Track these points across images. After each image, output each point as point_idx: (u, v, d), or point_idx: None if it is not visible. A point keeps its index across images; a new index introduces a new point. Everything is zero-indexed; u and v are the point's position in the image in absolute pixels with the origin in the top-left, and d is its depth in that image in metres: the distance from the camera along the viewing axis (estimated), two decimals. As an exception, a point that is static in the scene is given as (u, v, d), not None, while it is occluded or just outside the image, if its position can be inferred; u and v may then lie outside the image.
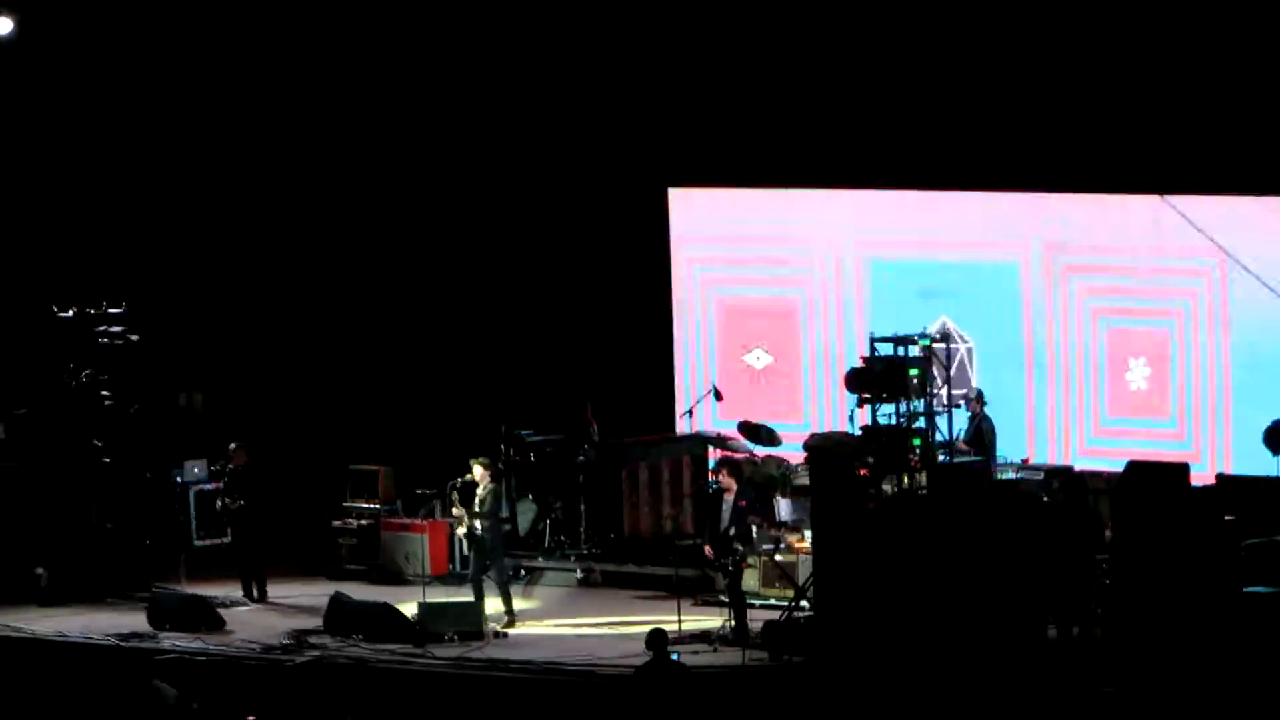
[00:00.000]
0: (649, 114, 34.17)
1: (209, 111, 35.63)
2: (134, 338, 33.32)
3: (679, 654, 25.35)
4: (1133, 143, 30.90)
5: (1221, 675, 25.17)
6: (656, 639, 24.55)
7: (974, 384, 31.20)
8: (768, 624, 28.14)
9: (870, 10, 31.95)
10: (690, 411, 33.22)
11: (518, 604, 30.21)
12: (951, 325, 31.23)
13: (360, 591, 30.79)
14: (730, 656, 27.64)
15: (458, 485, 30.44)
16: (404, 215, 36.24)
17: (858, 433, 28.84)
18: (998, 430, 30.78)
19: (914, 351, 28.68)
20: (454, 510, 30.44)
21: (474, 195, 35.82)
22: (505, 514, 31.44)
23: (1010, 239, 32.78)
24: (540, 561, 32.34)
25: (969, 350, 31.85)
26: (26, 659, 28.75)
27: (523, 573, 31.86)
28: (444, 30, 34.17)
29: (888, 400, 28.39)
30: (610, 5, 33.08)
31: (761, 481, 31.04)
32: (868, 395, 28.53)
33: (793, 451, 31.39)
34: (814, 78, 32.86)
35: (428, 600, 29.67)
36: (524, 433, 33.23)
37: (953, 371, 29.68)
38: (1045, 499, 28.65)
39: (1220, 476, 28.39)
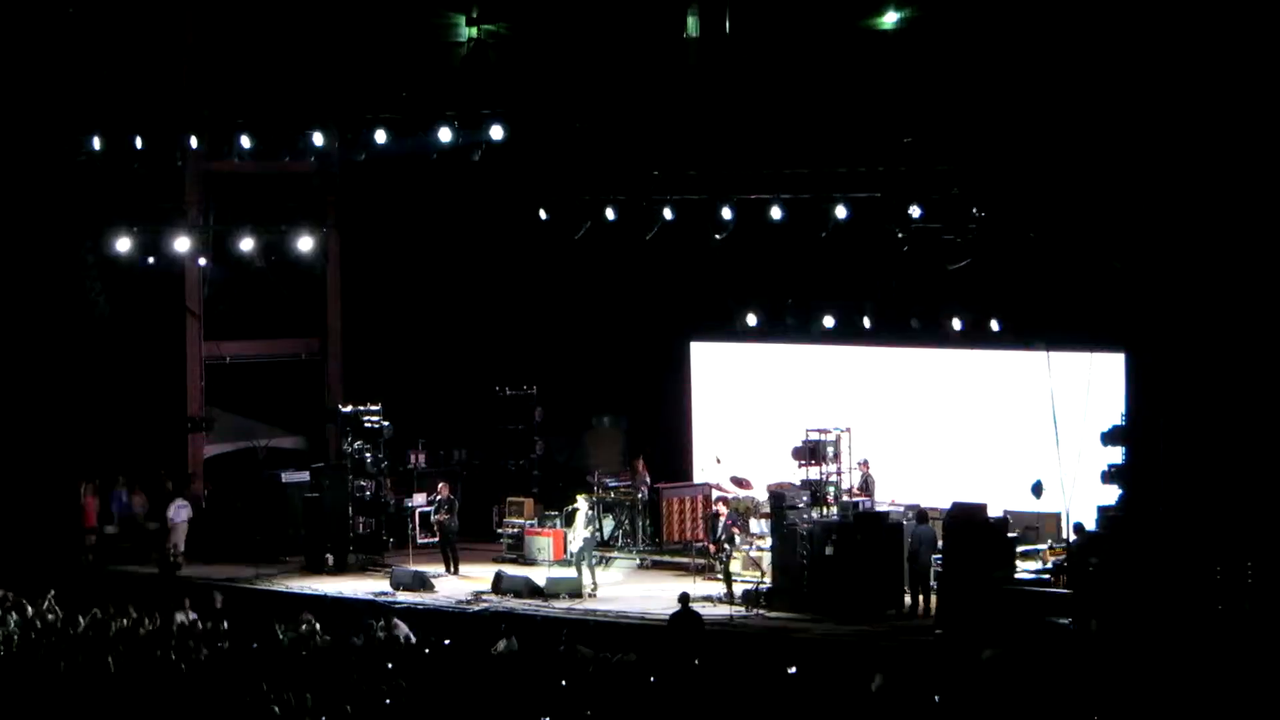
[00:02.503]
0: (685, 308, 34.06)
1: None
2: (386, 424, 33.04)
3: (695, 606, 26.44)
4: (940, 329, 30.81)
5: (1000, 618, 25.66)
6: (683, 598, 26.03)
7: (864, 456, 30.47)
8: (745, 591, 28.78)
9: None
10: (703, 469, 33.65)
11: (600, 577, 30.58)
12: (851, 424, 29.98)
13: (512, 569, 31.05)
14: (724, 610, 28.30)
15: (568, 510, 31.40)
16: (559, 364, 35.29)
17: (798, 483, 29.52)
18: (876, 482, 30.59)
19: (830, 438, 29.60)
20: (569, 525, 30.92)
21: (606, 354, 35.04)
22: (596, 526, 31.70)
23: (886, 375, 32.53)
24: (615, 553, 32.26)
25: (860, 436, 30.24)
26: (318, 607, 28.64)
27: (605, 559, 31.67)
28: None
29: (815, 465, 29.28)
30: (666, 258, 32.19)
31: (742, 510, 31.01)
32: (804, 461, 29.34)
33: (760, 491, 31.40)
34: (782, 299, 32.48)
35: (550, 574, 30.47)
36: (607, 480, 33.00)
37: (852, 449, 30.00)
38: (903, 523, 28.68)
39: (1005, 512, 28.08)
